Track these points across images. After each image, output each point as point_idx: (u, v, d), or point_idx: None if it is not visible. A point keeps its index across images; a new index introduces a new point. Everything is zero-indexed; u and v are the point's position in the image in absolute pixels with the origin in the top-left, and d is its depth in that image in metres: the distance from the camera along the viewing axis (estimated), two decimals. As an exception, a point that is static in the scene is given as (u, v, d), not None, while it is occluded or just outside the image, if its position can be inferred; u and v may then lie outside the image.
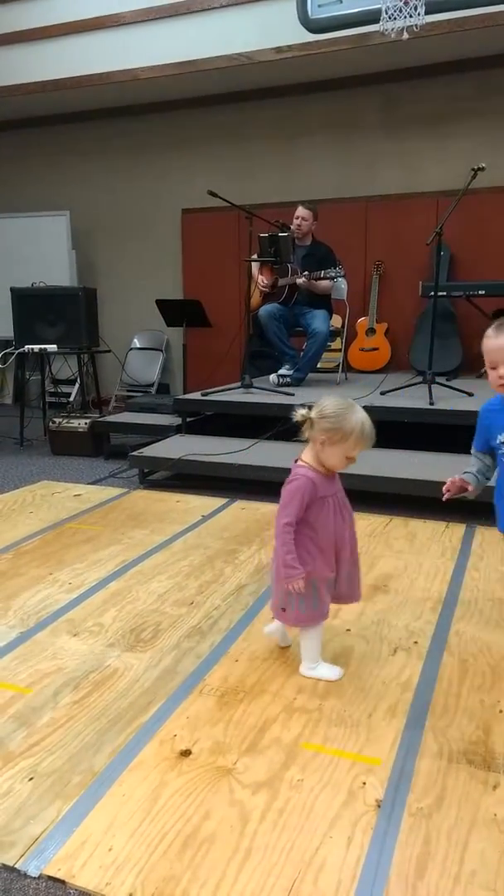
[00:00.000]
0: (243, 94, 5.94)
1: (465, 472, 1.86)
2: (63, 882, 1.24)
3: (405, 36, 3.89)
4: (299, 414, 1.72)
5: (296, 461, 1.78)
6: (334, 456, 1.70)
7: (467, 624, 2.16)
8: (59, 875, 1.24)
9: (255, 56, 5.02)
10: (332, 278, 4.67)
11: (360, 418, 1.68)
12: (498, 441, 1.79)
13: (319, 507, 1.73)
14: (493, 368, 1.73)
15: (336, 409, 1.68)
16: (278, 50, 4.92)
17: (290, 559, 1.72)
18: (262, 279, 4.80)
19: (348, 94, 5.75)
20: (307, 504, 1.72)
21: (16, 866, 1.26)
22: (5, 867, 1.27)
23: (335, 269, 4.64)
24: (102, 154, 6.73)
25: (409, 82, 5.56)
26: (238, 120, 6.15)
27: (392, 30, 3.90)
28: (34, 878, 1.25)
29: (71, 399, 6.41)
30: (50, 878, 1.25)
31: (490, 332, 1.75)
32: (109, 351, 5.73)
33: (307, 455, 1.76)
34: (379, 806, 1.40)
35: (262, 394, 4.38)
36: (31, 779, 1.49)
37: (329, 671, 1.87)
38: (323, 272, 4.63)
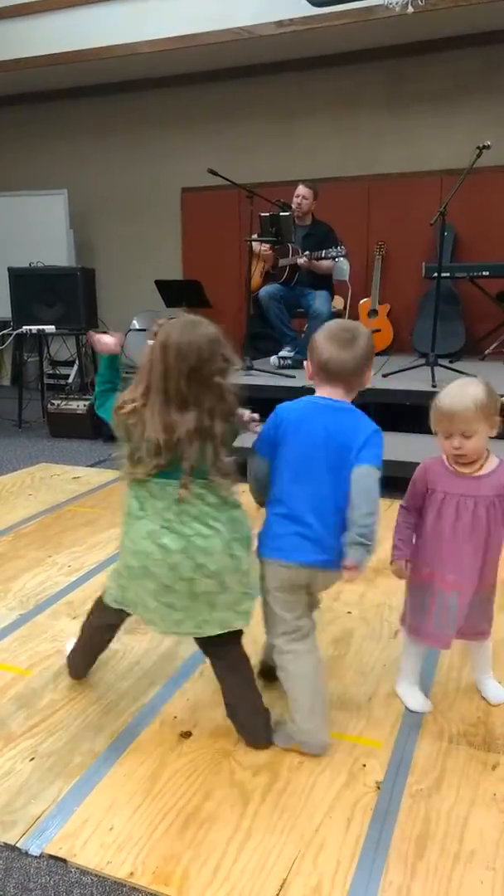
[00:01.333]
0: (244, 69, 5.83)
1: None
2: (64, 861, 1.24)
3: (410, 10, 3.82)
4: None
5: None
6: (440, 442, 1.52)
7: (467, 606, 2.15)
8: (60, 854, 1.25)
9: (256, 30, 4.92)
10: (333, 258, 4.61)
11: (441, 396, 1.49)
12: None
13: (431, 503, 1.55)
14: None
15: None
16: (280, 24, 4.82)
17: (396, 539, 1.60)
18: (264, 246, 4.72)
19: (351, 69, 5.65)
20: (419, 493, 1.58)
21: (17, 845, 1.27)
22: (7, 846, 1.28)
23: (336, 248, 4.58)
24: (101, 132, 6.62)
25: (413, 58, 5.46)
26: (239, 96, 6.05)
27: (396, 3, 3.82)
28: (35, 856, 1.26)
29: (69, 381, 6.37)
30: (51, 856, 1.25)
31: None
32: (108, 332, 5.68)
33: None
34: (379, 787, 1.40)
35: (262, 376, 4.35)
36: (32, 759, 1.49)
37: (413, 699, 1.66)
38: (324, 252, 4.58)
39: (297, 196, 4.67)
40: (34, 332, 5.04)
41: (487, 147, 3.75)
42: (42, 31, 5.45)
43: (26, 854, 1.26)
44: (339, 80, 5.73)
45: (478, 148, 3.77)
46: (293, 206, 4.67)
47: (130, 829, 1.30)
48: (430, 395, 1.54)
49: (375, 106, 5.72)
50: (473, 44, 5.25)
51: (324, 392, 1.53)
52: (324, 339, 1.49)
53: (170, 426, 1.35)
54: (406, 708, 1.66)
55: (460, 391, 1.46)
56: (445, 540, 1.53)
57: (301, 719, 1.48)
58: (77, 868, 1.23)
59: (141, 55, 5.32)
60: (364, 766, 1.47)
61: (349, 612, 2.12)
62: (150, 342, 1.42)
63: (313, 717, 1.48)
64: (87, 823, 1.32)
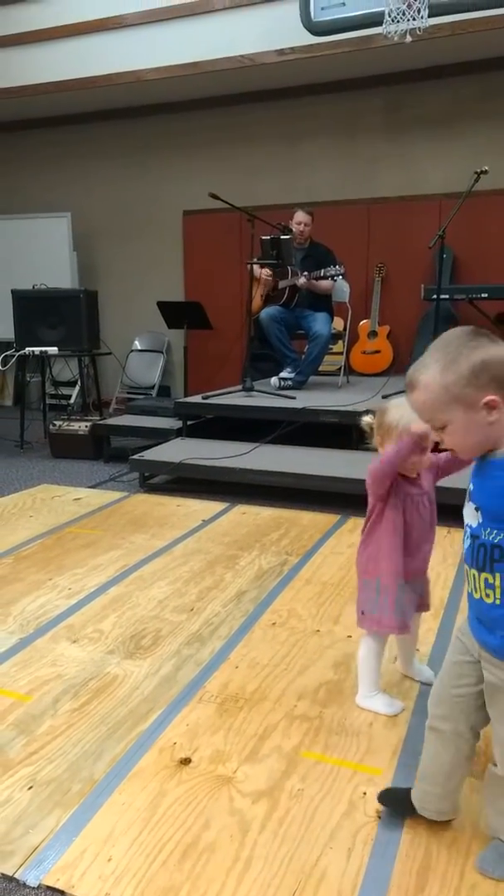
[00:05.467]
0: (246, 95, 5.93)
1: None
2: (62, 892, 1.23)
3: (408, 39, 3.89)
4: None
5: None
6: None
7: (468, 631, 2.15)
8: (58, 885, 1.24)
9: (257, 58, 5.02)
10: (332, 276, 4.66)
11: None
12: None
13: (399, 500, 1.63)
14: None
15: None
16: (281, 52, 4.92)
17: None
18: (265, 271, 4.77)
19: (351, 96, 5.75)
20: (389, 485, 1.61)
21: (15, 876, 1.26)
22: (4, 877, 1.26)
23: (335, 267, 4.63)
24: (104, 156, 6.72)
25: (411, 85, 5.56)
26: (240, 122, 6.15)
27: (395, 32, 3.90)
28: (33, 887, 1.24)
29: (71, 401, 6.40)
30: (49, 888, 1.24)
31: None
32: (110, 353, 5.72)
33: None
34: (380, 817, 1.39)
35: (263, 397, 4.37)
36: (30, 787, 1.48)
37: (385, 704, 1.72)
38: (323, 271, 4.63)
39: (299, 224, 4.74)
40: (37, 353, 5.08)
41: (485, 172, 3.81)
42: (48, 59, 5.56)
43: (24, 885, 1.25)
44: (339, 106, 5.83)
45: (476, 173, 3.83)
46: (296, 233, 4.73)
47: (129, 860, 1.29)
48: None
49: (375, 131, 5.81)
50: (471, 71, 5.35)
51: None
52: (491, 343, 1.09)
53: None
54: (384, 714, 1.71)
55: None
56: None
57: None
58: (75, 900, 1.22)
59: (145, 82, 5.42)
60: (364, 794, 1.45)
61: (349, 637, 2.12)
62: None
63: None
64: (85, 854, 1.31)
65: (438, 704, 1.29)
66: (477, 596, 1.16)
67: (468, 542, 1.17)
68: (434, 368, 1.07)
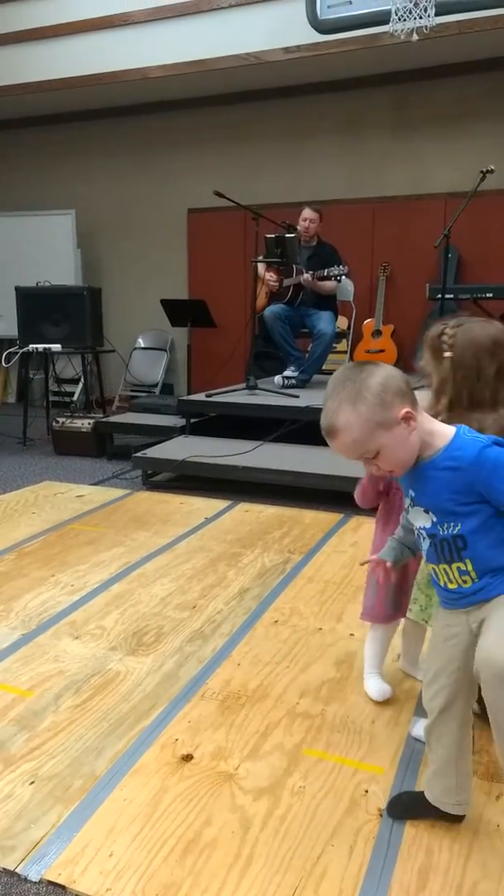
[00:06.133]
0: (251, 94, 5.92)
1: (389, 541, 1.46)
2: (63, 887, 1.23)
3: (415, 37, 3.88)
4: None
5: None
6: None
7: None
8: (59, 880, 1.24)
9: (263, 56, 5.01)
10: (335, 276, 4.65)
11: None
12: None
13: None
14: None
15: None
16: (287, 50, 4.91)
17: None
18: (269, 275, 4.78)
19: (357, 94, 5.74)
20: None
21: (16, 871, 1.26)
22: (6, 872, 1.26)
23: (339, 267, 4.62)
24: (109, 153, 6.72)
25: (418, 83, 5.54)
26: (246, 120, 6.14)
27: (402, 31, 3.88)
28: (35, 882, 1.24)
29: (74, 399, 6.40)
30: (50, 882, 1.24)
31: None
32: (113, 351, 5.72)
33: None
34: (381, 815, 1.39)
35: (266, 395, 4.37)
36: (32, 783, 1.48)
37: (374, 687, 1.77)
38: (326, 271, 4.62)
39: (305, 220, 4.73)
40: (40, 350, 5.08)
41: (491, 171, 3.80)
42: (53, 56, 5.56)
43: (25, 880, 1.25)
44: (344, 104, 5.82)
45: (482, 172, 3.82)
46: (301, 229, 4.72)
47: (130, 856, 1.29)
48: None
49: (381, 129, 5.80)
50: (478, 69, 5.33)
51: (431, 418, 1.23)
52: (375, 368, 1.16)
53: (480, 430, 1.28)
54: (370, 697, 1.75)
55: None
56: None
57: None
58: (77, 895, 1.22)
59: (151, 79, 5.41)
60: (366, 791, 1.45)
61: (351, 635, 2.12)
62: (449, 354, 1.36)
63: None
64: (86, 849, 1.31)
65: (431, 682, 1.29)
66: (453, 586, 1.23)
67: (426, 542, 1.25)
68: (346, 409, 1.13)
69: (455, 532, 1.19)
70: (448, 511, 1.19)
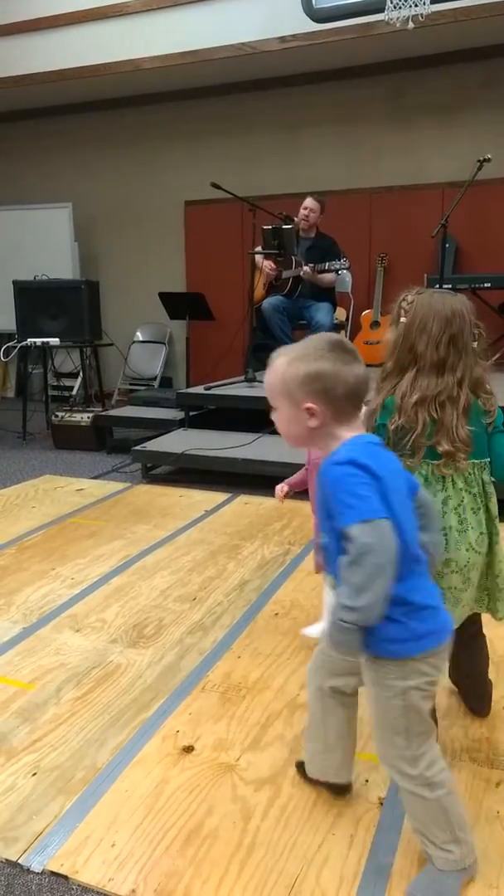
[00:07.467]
0: (247, 84, 5.89)
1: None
2: (66, 878, 1.24)
3: (410, 25, 3.86)
4: None
5: None
6: None
7: (471, 620, 2.15)
8: (61, 871, 1.25)
9: (259, 46, 4.98)
10: (336, 270, 4.63)
11: None
12: None
13: None
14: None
15: None
16: (282, 39, 4.87)
17: None
18: (268, 264, 4.75)
19: (353, 84, 5.70)
20: None
21: (19, 862, 1.27)
22: (8, 862, 1.27)
23: (339, 261, 4.60)
24: (105, 146, 6.69)
25: (414, 72, 5.51)
26: (242, 111, 6.11)
27: (397, 19, 3.86)
28: (37, 873, 1.25)
29: (73, 393, 6.39)
30: (53, 873, 1.25)
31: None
32: (112, 344, 5.71)
33: None
34: (382, 804, 1.40)
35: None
36: (34, 774, 1.49)
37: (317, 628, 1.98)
38: (327, 264, 4.60)
39: (305, 209, 4.70)
40: (39, 344, 5.07)
41: (488, 160, 3.79)
42: (47, 48, 5.52)
43: (28, 870, 1.26)
44: (341, 94, 5.78)
45: (478, 161, 3.80)
46: (300, 218, 4.69)
47: (132, 846, 1.30)
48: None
49: (377, 119, 5.77)
50: (474, 58, 5.29)
51: (355, 430, 1.15)
52: (338, 359, 1.12)
53: (423, 397, 1.33)
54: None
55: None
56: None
57: (467, 835, 1.20)
58: (79, 885, 1.23)
59: (145, 70, 5.38)
60: (367, 781, 1.46)
61: (352, 626, 2.12)
62: (403, 319, 1.38)
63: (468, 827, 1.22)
64: (88, 840, 1.31)
65: (316, 670, 1.35)
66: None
67: (322, 554, 1.21)
68: (285, 359, 1.15)
69: (323, 542, 1.15)
70: (321, 518, 1.17)
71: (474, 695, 1.66)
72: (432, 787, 1.15)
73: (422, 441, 1.37)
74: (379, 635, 1.09)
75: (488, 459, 1.43)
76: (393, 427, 1.39)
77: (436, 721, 1.34)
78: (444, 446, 1.36)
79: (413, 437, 1.37)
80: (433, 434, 1.36)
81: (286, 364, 1.14)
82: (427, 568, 1.16)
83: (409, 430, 1.37)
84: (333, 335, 1.19)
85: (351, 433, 1.14)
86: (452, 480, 1.40)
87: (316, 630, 2.00)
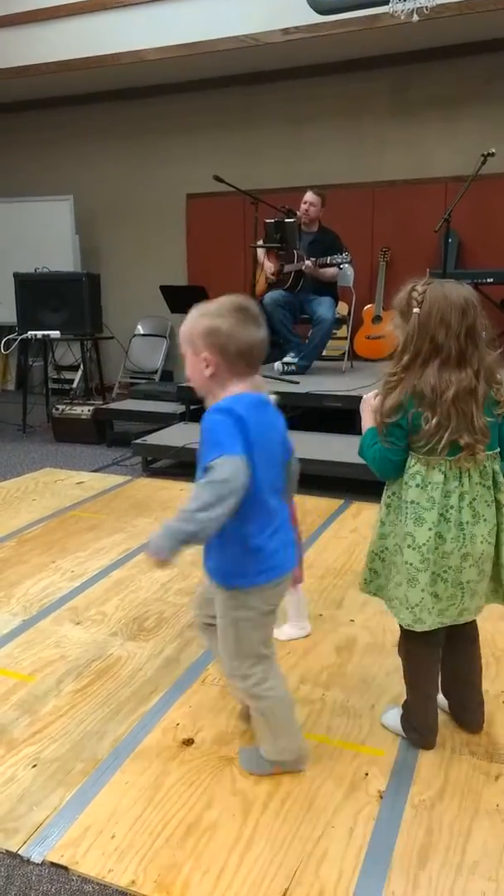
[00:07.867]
0: (250, 76, 5.85)
1: None
2: (66, 868, 1.24)
3: (415, 18, 3.83)
4: None
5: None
6: None
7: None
8: (61, 861, 1.25)
9: (262, 38, 4.94)
10: (338, 264, 4.61)
11: None
12: None
13: None
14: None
15: None
16: (286, 31, 4.84)
17: None
18: (269, 265, 4.75)
19: (357, 77, 5.66)
20: None
21: (19, 852, 1.27)
22: (9, 853, 1.28)
23: (341, 255, 4.59)
24: (107, 138, 6.65)
25: (418, 65, 5.47)
26: (244, 103, 6.07)
27: (401, 11, 3.83)
28: (37, 864, 1.26)
29: (74, 386, 6.38)
30: (53, 864, 1.25)
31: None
32: (113, 337, 5.69)
33: None
34: (381, 797, 1.40)
35: (266, 382, 4.35)
36: (34, 766, 1.49)
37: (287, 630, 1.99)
38: (329, 259, 4.58)
39: (305, 203, 4.68)
40: (39, 337, 5.06)
41: (492, 154, 3.76)
42: (49, 39, 5.48)
43: (28, 861, 1.26)
44: (344, 87, 5.75)
45: (482, 155, 3.78)
46: (300, 212, 4.67)
47: (132, 838, 1.30)
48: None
49: (381, 113, 5.74)
50: (478, 51, 5.26)
51: (244, 386, 1.30)
52: (236, 321, 1.26)
53: (443, 391, 1.31)
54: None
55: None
56: None
57: (293, 738, 1.44)
58: (79, 876, 1.23)
59: (148, 62, 5.35)
60: (366, 774, 1.46)
61: (352, 621, 2.12)
62: (417, 310, 1.34)
63: (298, 731, 1.47)
64: (88, 831, 1.32)
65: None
66: None
67: None
68: (195, 312, 1.30)
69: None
70: (199, 465, 1.24)
71: (471, 705, 1.59)
72: (258, 699, 1.38)
73: (450, 437, 1.33)
74: (221, 567, 1.30)
75: (498, 450, 1.42)
76: (427, 426, 1.32)
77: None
78: (466, 439, 1.33)
79: (446, 434, 1.32)
80: (457, 429, 1.33)
81: (195, 317, 1.29)
82: (276, 519, 1.32)
83: (444, 427, 1.32)
84: (243, 298, 1.31)
85: (240, 388, 1.28)
86: (469, 474, 1.37)
87: (283, 633, 1.98)
